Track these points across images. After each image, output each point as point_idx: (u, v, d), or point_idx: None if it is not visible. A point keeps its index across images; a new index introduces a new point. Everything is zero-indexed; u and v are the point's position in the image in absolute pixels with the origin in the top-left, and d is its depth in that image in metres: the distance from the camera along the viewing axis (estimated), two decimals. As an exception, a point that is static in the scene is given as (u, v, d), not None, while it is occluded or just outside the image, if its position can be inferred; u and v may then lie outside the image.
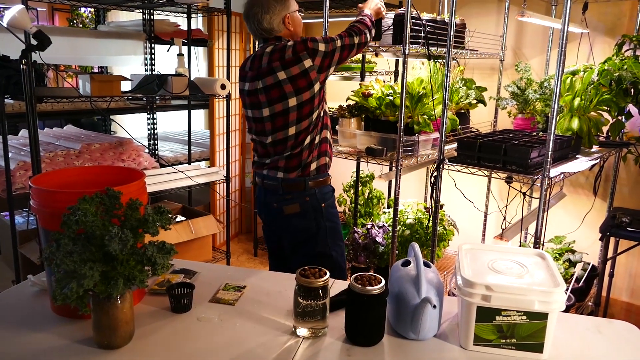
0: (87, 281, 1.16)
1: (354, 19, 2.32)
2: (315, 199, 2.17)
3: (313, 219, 2.18)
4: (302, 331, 1.35)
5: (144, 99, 3.66)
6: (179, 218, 3.59)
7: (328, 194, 2.23)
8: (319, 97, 2.11)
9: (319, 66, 2.07)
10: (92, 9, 4.89)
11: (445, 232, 3.51)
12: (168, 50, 3.93)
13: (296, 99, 2.06)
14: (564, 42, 2.18)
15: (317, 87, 2.08)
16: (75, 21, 5.60)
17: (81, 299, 1.19)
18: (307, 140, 2.12)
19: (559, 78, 2.22)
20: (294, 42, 2.08)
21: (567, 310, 2.78)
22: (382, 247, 3.42)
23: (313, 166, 2.15)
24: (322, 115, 2.16)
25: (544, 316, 1.24)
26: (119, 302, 1.26)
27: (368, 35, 2.24)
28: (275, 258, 2.40)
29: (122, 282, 1.22)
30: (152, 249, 1.25)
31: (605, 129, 3.12)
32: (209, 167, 4.07)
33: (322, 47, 2.07)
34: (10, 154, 2.97)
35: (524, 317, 1.25)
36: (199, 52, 4.78)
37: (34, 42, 2.34)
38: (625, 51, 3.12)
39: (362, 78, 3.79)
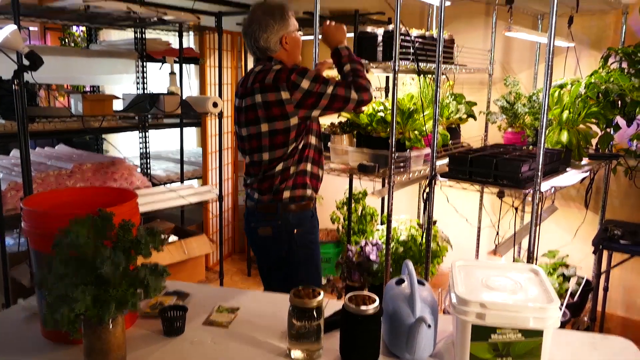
0: (79, 305, 1.15)
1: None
2: (288, 224, 2.11)
3: (285, 242, 2.13)
4: (297, 353, 1.34)
5: (136, 117, 3.66)
6: (172, 238, 3.57)
7: (304, 219, 2.15)
8: (297, 130, 2.04)
9: (298, 101, 1.99)
10: (84, 28, 4.90)
11: (439, 248, 3.50)
12: (160, 69, 3.94)
13: (268, 125, 2.02)
14: (550, 56, 2.20)
15: (293, 120, 2.01)
16: (67, 40, 5.62)
17: (73, 323, 1.17)
18: (280, 168, 2.07)
19: (547, 92, 2.24)
20: (279, 69, 2.02)
21: (563, 326, 2.76)
22: (376, 265, 3.40)
23: (286, 194, 2.09)
24: (301, 148, 2.09)
25: (539, 333, 1.24)
26: (111, 326, 1.25)
27: (369, 93, 2.09)
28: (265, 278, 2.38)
29: (114, 305, 1.20)
30: (144, 271, 1.24)
31: (594, 141, 3.14)
32: (201, 185, 4.06)
33: (305, 84, 1.98)
34: (1, 175, 2.95)
35: (520, 335, 1.24)
36: (190, 70, 4.79)
37: (26, 62, 2.34)
38: (611, 64, 3.15)
39: (354, 94, 3.80)
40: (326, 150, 3.04)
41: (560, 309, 1.26)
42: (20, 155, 2.56)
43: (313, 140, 2.14)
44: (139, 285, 1.23)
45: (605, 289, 3.35)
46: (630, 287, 3.56)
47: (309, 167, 2.14)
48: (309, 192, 2.14)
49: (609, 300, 3.46)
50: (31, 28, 6.35)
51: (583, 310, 3.24)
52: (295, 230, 2.12)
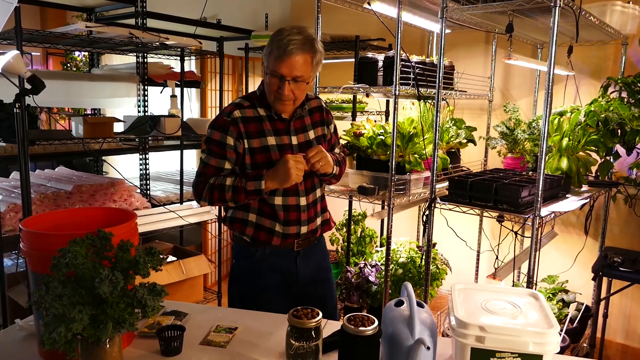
0: (76, 325, 1.14)
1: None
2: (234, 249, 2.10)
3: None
4: (295, 374, 1.33)
5: (137, 139, 3.68)
6: (170, 258, 3.55)
7: (240, 253, 2.05)
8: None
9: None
10: (86, 53, 4.95)
11: (438, 271, 3.49)
12: (161, 92, 3.97)
13: None
14: (550, 84, 2.22)
15: None
16: (69, 65, 5.67)
17: (70, 343, 1.16)
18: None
19: (547, 119, 2.26)
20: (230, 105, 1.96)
21: (562, 351, 2.75)
22: (375, 287, 3.39)
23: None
24: None
25: (538, 358, 1.23)
26: (108, 346, 1.24)
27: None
28: None
29: (112, 325, 1.20)
30: (142, 290, 1.23)
31: (594, 168, 3.16)
32: (200, 206, 4.06)
33: (208, 132, 1.92)
34: (0, 196, 2.95)
35: (519, 359, 1.24)
36: (191, 94, 4.83)
37: (28, 86, 2.36)
38: (611, 93, 3.18)
39: (354, 118, 3.84)
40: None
41: (560, 334, 1.26)
42: (20, 177, 2.57)
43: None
44: (137, 304, 1.23)
45: (605, 316, 3.33)
46: (630, 314, 3.54)
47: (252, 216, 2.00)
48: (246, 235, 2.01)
49: (608, 327, 3.44)
50: (34, 53, 6.43)
51: (582, 336, 3.22)
52: (234, 260, 2.13)
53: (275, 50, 1.80)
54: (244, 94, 4.62)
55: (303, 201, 1.97)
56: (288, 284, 2.03)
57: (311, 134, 2.01)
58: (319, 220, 2.06)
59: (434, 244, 3.66)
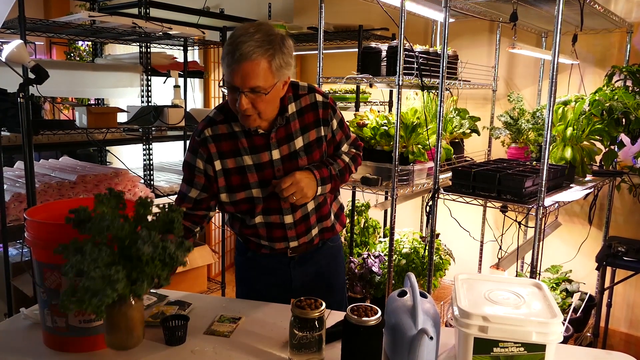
0: (120, 285, 1.18)
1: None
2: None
3: None
4: (298, 364, 1.34)
5: (140, 130, 3.68)
6: (174, 249, 3.56)
7: (237, 247, 2.00)
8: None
9: None
10: (90, 43, 4.94)
11: (441, 261, 3.49)
12: (164, 82, 3.97)
13: None
14: (554, 73, 2.21)
15: None
16: (72, 54, 5.66)
17: (100, 306, 1.18)
18: None
19: (551, 108, 2.24)
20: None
21: (566, 341, 2.76)
22: (379, 277, 3.40)
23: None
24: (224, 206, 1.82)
25: (541, 347, 1.23)
26: (134, 303, 1.29)
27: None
28: None
29: (147, 282, 1.24)
30: (172, 246, 1.26)
31: (598, 158, 3.15)
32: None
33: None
34: (5, 186, 2.96)
35: (522, 349, 1.24)
36: (195, 84, 4.82)
37: (31, 76, 2.36)
38: (616, 82, 3.16)
39: (357, 108, 3.83)
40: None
41: (563, 324, 1.26)
42: (25, 167, 2.57)
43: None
44: (169, 260, 1.26)
45: (609, 305, 3.33)
46: (633, 303, 3.54)
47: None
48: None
49: (612, 317, 3.44)
50: (37, 43, 6.42)
51: (586, 325, 3.22)
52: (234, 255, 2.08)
53: (226, 57, 1.54)
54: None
55: (288, 219, 1.78)
56: (282, 288, 1.90)
57: (298, 143, 1.74)
58: (314, 232, 1.85)
59: (437, 235, 3.66)
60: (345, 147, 1.91)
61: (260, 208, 1.76)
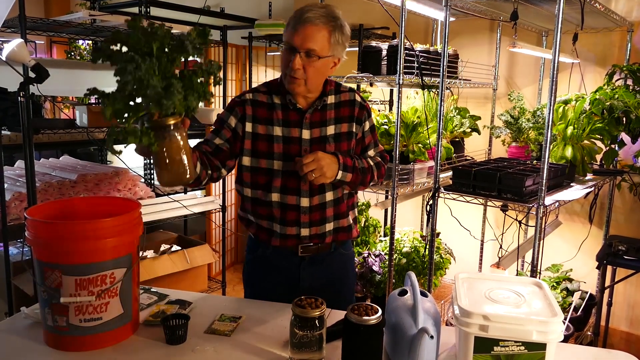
0: (178, 95, 1.24)
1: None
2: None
3: None
4: (299, 363, 1.34)
5: (141, 129, 3.68)
6: (175, 248, 3.57)
7: (248, 245, 1.98)
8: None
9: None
10: (90, 42, 4.94)
11: (442, 260, 3.49)
12: (165, 81, 3.96)
13: None
14: (555, 72, 2.21)
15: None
16: (73, 53, 5.65)
17: (148, 133, 1.28)
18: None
19: (551, 107, 2.24)
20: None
21: (566, 340, 2.76)
22: (379, 276, 3.40)
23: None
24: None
25: (542, 346, 1.23)
26: (178, 134, 1.33)
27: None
28: None
29: (195, 97, 1.30)
30: (209, 63, 1.34)
31: (598, 157, 3.14)
32: (204, 196, 4.07)
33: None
34: (5, 185, 2.96)
35: (522, 348, 1.24)
36: (195, 83, 4.81)
37: (32, 75, 2.36)
38: (616, 80, 3.16)
39: (357, 108, 3.82)
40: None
41: (564, 323, 1.26)
42: (25, 166, 2.58)
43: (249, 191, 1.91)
44: (206, 76, 1.34)
45: (609, 304, 3.33)
46: (634, 302, 3.54)
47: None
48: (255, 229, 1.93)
49: (612, 315, 3.44)
50: (38, 42, 6.41)
51: (587, 324, 3.23)
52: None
53: (292, 20, 1.69)
54: (248, 83, 4.62)
55: (304, 202, 1.79)
56: (289, 289, 1.85)
57: (330, 130, 1.81)
58: (329, 226, 1.85)
59: (438, 234, 3.66)
60: (371, 153, 1.95)
61: (278, 182, 1.79)
